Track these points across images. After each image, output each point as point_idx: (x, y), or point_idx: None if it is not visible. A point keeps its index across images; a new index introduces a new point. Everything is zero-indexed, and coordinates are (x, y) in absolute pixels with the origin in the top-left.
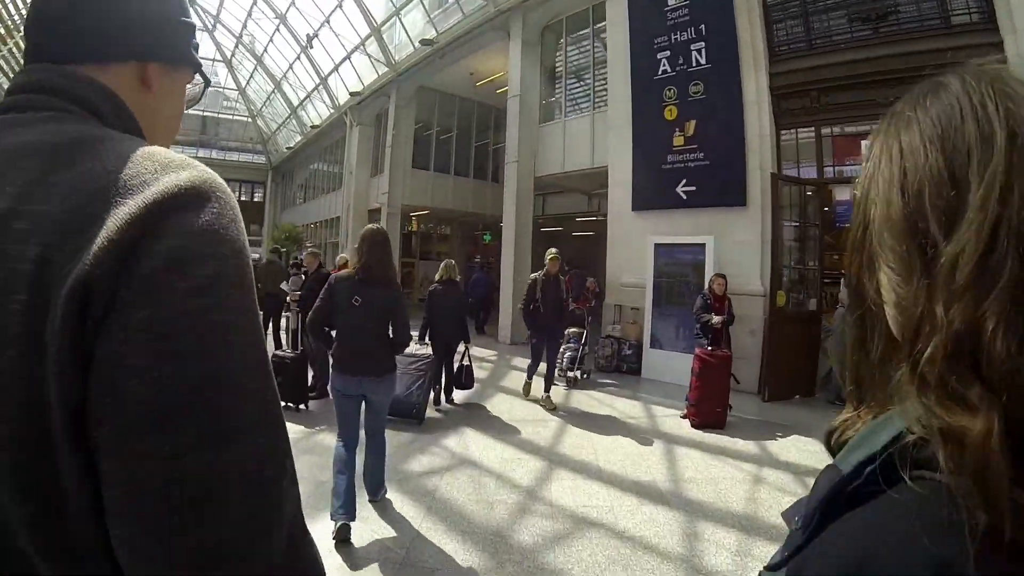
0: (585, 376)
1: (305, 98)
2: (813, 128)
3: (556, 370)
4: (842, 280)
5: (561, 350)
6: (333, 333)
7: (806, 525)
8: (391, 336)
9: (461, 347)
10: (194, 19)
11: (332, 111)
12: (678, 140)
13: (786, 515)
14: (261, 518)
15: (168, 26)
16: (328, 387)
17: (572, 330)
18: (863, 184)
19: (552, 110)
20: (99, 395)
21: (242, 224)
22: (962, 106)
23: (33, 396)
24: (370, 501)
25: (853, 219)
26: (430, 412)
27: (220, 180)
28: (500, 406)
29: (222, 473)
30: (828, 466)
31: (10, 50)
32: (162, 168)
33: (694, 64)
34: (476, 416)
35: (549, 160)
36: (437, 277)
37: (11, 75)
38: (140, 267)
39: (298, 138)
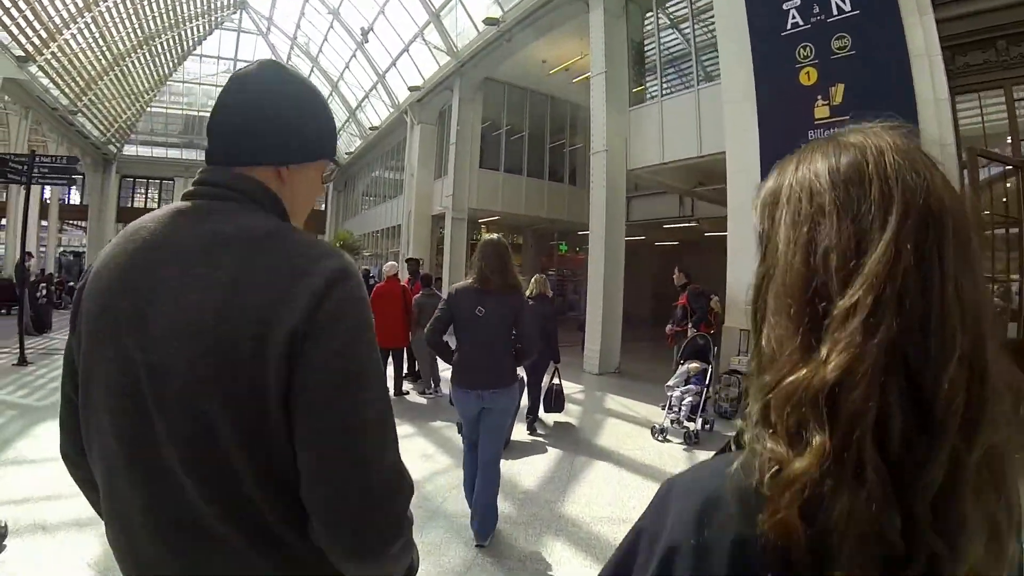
0: (708, 428)
1: (363, 98)
2: (1001, 90)
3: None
4: None
5: (679, 393)
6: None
7: None
8: (516, 346)
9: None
10: (327, 125)
11: (392, 110)
12: (822, 111)
13: None
14: (389, 437)
15: (297, 139)
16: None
17: (694, 365)
18: (768, 223)
19: (644, 92)
20: (302, 380)
21: (364, 286)
22: (868, 173)
23: (257, 380)
24: (477, 545)
25: (761, 260)
26: (519, 435)
27: (351, 261)
28: (603, 477)
29: (369, 416)
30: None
31: (52, 53)
32: (322, 256)
33: (835, 12)
34: (568, 501)
35: (643, 150)
36: (528, 293)
37: (55, 78)
38: (320, 318)
39: (358, 142)
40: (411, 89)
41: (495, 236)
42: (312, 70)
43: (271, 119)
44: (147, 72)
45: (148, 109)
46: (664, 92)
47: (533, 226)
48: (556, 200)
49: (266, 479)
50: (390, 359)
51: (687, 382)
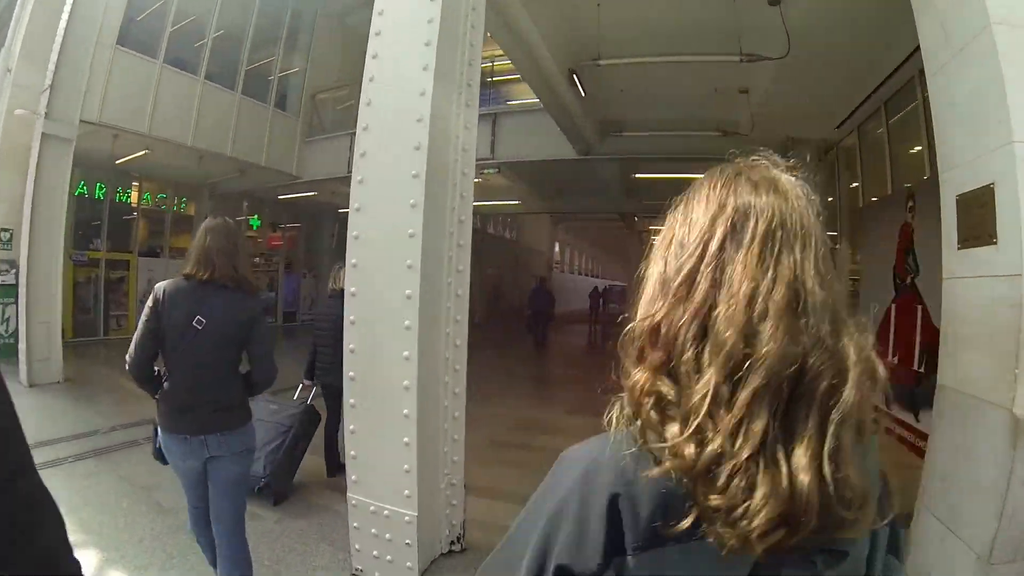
0: None
1: None
2: None
3: None
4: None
5: None
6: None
7: None
8: (249, 371)
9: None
10: None
11: None
12: None
13: None
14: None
15: None
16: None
17: None
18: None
19: None
20: None
21: None
22: (709, 205)
23: None
24: None
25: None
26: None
27: None
28: None
29: None
30: None
31: None
32: None
33: None
34: None
35: None
36: (332, 287)
37: None
38: None
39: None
40: None
41: (220, 218)
42: None
43: None
44: None
45: None
46: None
47: (213, 179)
48: (252, 130)
49: None
50: None
51: None
